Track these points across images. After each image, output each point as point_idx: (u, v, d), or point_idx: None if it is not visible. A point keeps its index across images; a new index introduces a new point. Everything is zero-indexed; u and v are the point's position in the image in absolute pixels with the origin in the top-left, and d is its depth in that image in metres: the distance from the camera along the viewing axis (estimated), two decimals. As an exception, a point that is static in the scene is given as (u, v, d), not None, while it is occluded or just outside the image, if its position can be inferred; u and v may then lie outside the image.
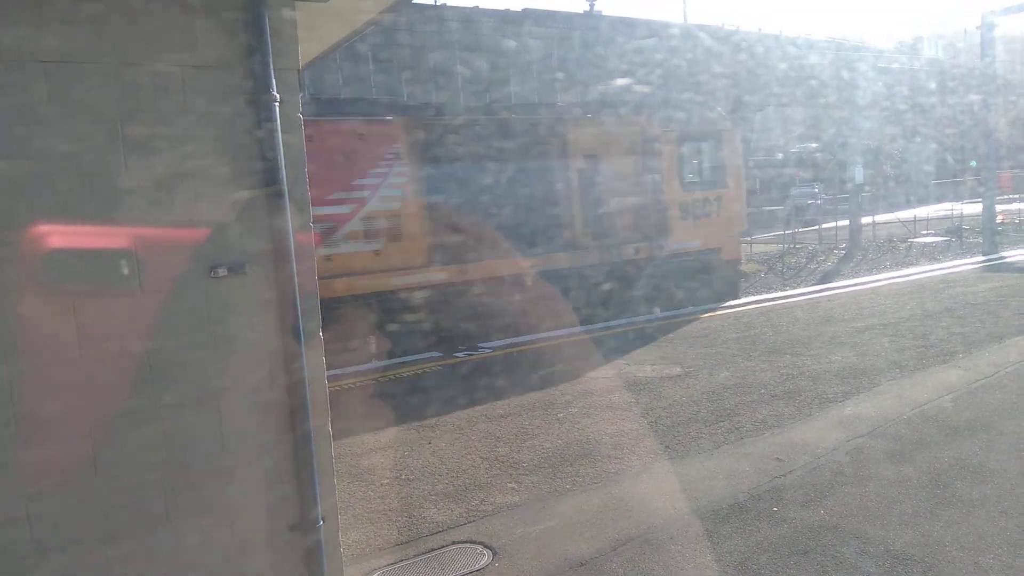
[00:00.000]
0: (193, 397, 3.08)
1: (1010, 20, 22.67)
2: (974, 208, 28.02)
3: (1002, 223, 23.70)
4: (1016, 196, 26.74)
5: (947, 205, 31.12)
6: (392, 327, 9.99)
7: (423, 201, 10.43)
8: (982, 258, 18.10)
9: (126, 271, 2.92)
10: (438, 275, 10.44)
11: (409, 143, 10.29)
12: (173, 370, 3.03)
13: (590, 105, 14.52)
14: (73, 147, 2.82)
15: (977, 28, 22.14)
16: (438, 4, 33.32)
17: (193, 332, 3.06)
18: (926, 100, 47.70)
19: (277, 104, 3.12)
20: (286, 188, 3.16)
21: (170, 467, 3.04)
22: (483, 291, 10.88)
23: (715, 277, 13.83)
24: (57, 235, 2.82)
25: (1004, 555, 3.80)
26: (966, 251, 21.13)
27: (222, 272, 3.06)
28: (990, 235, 20.11)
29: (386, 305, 10.00)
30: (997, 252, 19.00)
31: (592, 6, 40.11)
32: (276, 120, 3.12)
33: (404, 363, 10.03)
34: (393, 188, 10.13)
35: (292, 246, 3.17)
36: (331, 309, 8.57)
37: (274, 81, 3.12)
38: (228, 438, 3.16)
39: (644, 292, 12.75)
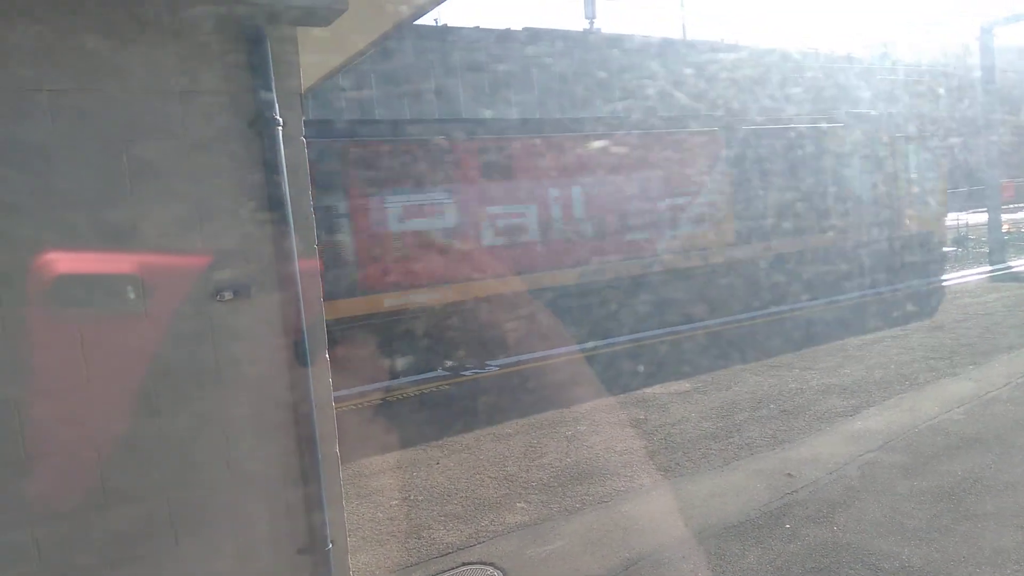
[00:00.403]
0: (199, 421, 3.07)
1: (1008, 30, 22.78)
2: (978, 218, 27.94)
3: (1008, 232, 23.60)
4: (1020, 205, 26.66)
5: (951, 215, 31.03)
6: (717, 288, 13.57)
7: (733, 191, 13.70)
8: (989, 268, 18.01)
9: (132, 296, 2.93)
10: (744, 250, 14.01)
11: (726, 146, 13.66)
12: (179, 394, 3.03)
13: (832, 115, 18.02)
14: (78, 174, 2.84)
15: (976, 39, 22.21)
16: (440, 26, 33.65)
17: (199, 356, 3.06)
18: (926, 109, 47.78)
19: (280, 128, 3.14)
20: (290, 211, 3.17)
21: (177, 491, 3.03)
22: (789, 261, 14.73)
23: (932, 254, 18.14)
24: (63, 261, 2.83)
25: (1020, 571, 3.74)
26: (973, 261, 21.04)
27: (227, 296, 3.07)
28: (996, 245, 20.03)
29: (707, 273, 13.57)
30: (1004, 262, 18.92)
31: (592, 24, 40.43)
32: (279, 143, 3.14)
33: (411, 382, 10.01)
34: (714, 182, 13.46)
35: (297, 269, 3.18)
36: (687, 276, 12.99)
37: (277, 105, 3.14)
38: (235, 462, 3.15)
39: (894, 263, 16.61)
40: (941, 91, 46.78)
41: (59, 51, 2.80)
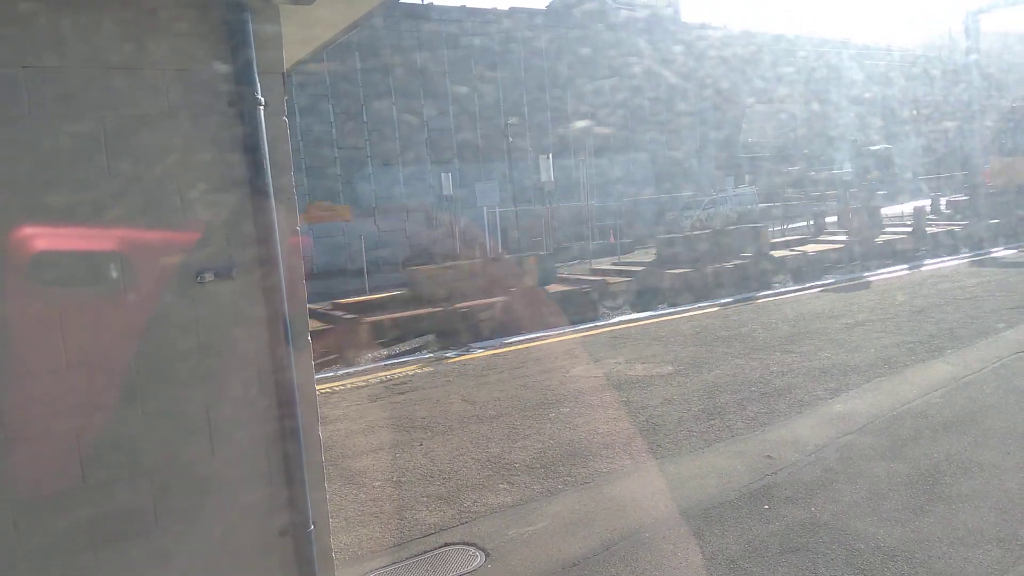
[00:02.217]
0: (180, 403, 3.05)
1: (992, 17, 22.86)
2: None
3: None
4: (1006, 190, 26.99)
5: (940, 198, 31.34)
6: None
7: None
8: (970, 253, 18.23)
9: (113, 275, 2.89)
10: None
11: None
12: (160, 376, 3.00)
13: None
14: (55, 151, 2.79)
15: (962, 25, 22.29)
16: (425, 3, 33.30)
17: (180, 338, 3.03)
18: (912, 96, 48.00)
19: (262, 108, 3.10)
20: (272, 192, 3.14)
21: (158, 474, 3.02)
22: None
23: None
24: (40, 238, 2.79)
25: (994, 551, 3.81)
26: (955, 246, 21.26)
27: (209, 277, 3.04)
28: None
29: None
30: (984, 247, 19.16)
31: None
32: (261, 124, 3.09)
33: (395, 364, 10.01)
34: None
35: (280, 251, 3.15)
36: None
37: (259, 84, 3.09)
38: (216, 444, 3.13)
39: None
40: (935, 74, 47.00)
41: (38, 28, 2.74)
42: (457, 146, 34.63)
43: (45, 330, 2.80)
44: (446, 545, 4.42)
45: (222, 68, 3.07)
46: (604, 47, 38.46)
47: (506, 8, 36.19)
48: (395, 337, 13.88)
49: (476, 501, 5.00)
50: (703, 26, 42.80)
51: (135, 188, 2.93)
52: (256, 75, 3.08)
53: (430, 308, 15.11)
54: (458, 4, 34.95)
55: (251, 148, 3.10)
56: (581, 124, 37.71)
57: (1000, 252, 17.86)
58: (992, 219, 23.43)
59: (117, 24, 2.89)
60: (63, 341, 2.82)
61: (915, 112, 46.29)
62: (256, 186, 3.11)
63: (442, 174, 28.72)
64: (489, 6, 38.97)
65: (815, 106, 44.63)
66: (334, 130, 31.75)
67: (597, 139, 38.24)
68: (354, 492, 5.34)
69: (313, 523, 3.29)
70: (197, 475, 3.09)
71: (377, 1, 4.08)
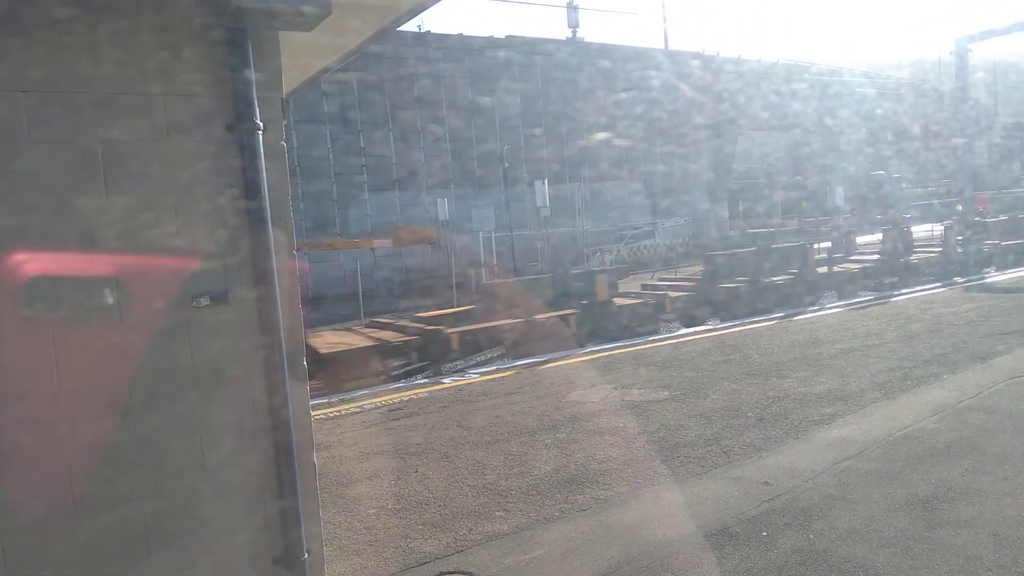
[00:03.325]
0: (175, 429, 3.03)
1: (982, 47, 23.26)
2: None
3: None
4: (993, 218, 27.27)
5: (928, 226, 31.55)
6: None
7: None
8: (963, 279, 18.32)
9: (109, 300, 2.88)
10: None
11: None
12: (154, 401, 2.98)
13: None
14: (53, 175, 2.80)
15: (951, 54, 22.64)
16: (423, 32, 33.69)
17: (175, 362, 3.02)
18: (905, 124, 48.57)
19: (260, 132, 3.12)
20: (269, 216, 3.14)
21: (151, 500, 2.98)
22: None
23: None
24: (36, 263, 2.78)
25: (994, 578, 3.78)
26: (949, 271, 21.37)
27: (204, 301, 3.03)
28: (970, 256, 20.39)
29: None
30: (978, 272, 19.26)
31: (574, 33, 40.68)
32: (259, 148, 3.11)
33: (390, 389, 9.96)
34: None
35: (276, 275, 3.15)
36: None
37: (257, 109, 3.11)
38: (210, 470, 3.10)
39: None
40: (924, 102, 47.65)
41: (37, 52, 2.76)
42: (453, 172, 34.83)
43: (39, 354, 2.78)
44: (441, 574, 4.36)
45: (220, 92, 3.10)
46: (598, 76, 38.91)
47: (502, 37, 36.64)
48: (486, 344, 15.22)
49: (472, 529, 4.95)
50: (696, 55, 43.37)
51: (131, 212, 2.94)
52: (255, 99, 3.10)
53: (509, 320, 16.06)
54: (455, 32, 35.42)
55: (249, 172, 3.11)
56: (577, 149, 38.05)
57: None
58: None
59: (115, 48, 2.92)
60: (57, 365, 2.80)
61: (910, 138, 46.87)
62: (253, 210, 3.12)
63: (438, 199, 28.88)
64: (485, 34, 39.40)
65: (810, 134, 45.10)
66: (331, 155, 31.92)
67: (593, 167, 38.54)
68: (348, 520, 5.28)
69: (308, 551, 3.25)
70: (190, 503, 3.06)
71: (371, 32, 4.13)
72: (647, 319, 17.09)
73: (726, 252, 22.88)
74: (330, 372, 12.47)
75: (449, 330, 15.21)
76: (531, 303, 16.83)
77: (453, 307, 18.55)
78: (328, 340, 14.76)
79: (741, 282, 19.19)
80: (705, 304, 18.26)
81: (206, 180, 3.08)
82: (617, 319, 16.72)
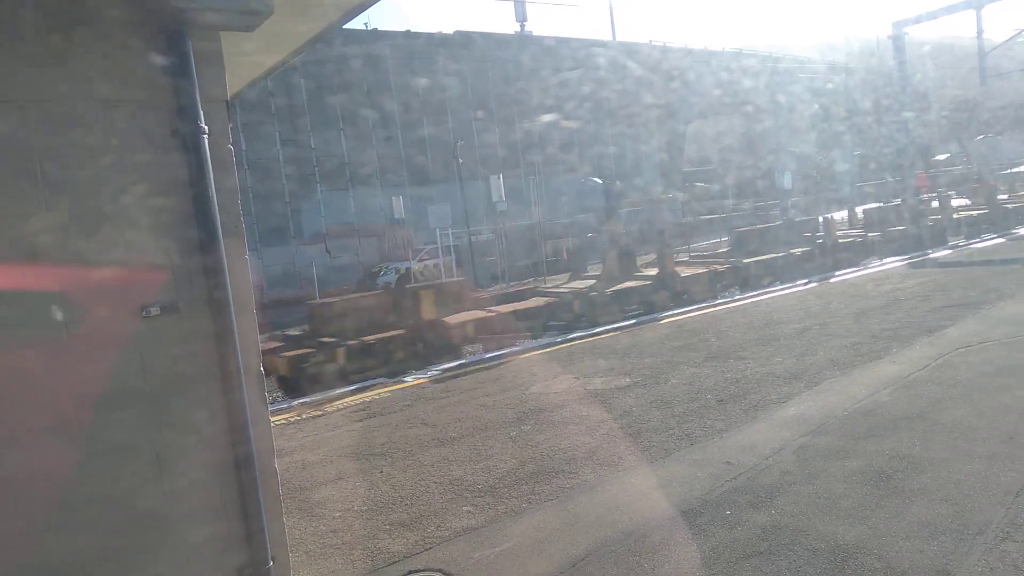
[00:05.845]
0: (132, 441, 2.95)
1: (919, 28, 23.97)
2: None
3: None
4: (933, 195, 28.16)
5: (872, 206, 32.46)
6: None
7: None
8: (907, 255, 18.90)
9: (58, 316, 2.80)
10: None
11: None
12: (109, 414, 2.90)
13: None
14: (-11, 188, 2.70)
15: (889, 37, 23.27)
16: (370, 29, 33.31)
17: (127, 375, 2.95)
18: (846, 106, 49.82)
19: (205, 136, 3.06)
20: (219, 220, 3.09)
21: (112, 514, 2.91)
22: None
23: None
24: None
25: (948, 542, 3.92)
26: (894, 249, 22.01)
27: (154, 311, 2.96)
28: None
29: None
30: (922, 249, 19.90)
31: (523, 27, 40.72)
32: (205, 153, 3.05)
33: (352, 391, 9.87)
34: None
35: (228, 281, 3.09)
36: None
37: (201, 112, 3.05)
38: (170, 481, 3.04)
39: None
40: (869, 81, 48.84)
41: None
42: (408, 169, 34.56)
43: (-18, 373, 2.69)
44: (411, 572, 4.35)
45: (163, 97, 3.02)
46: (545, 69, 39.00)
47: (451, 32, 36.47)
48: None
49: (440, 526, 4.94)
50: (648, 44, 43.78)
51: (76, 223, 2.85)
52: (199, 103, 3.04)
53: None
54: (403, 29, 35.12)
55: (196, 177, 3.05)
56: (528, 142, 38.11)
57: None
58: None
59: (53, 55, 2.82)
60: (6, 380, 2.71)
61: (850, 121, 48.07)
62: (201, 215, 3.06)
63: (393, 197, 28.63)
64: (435, 30, 39.18)
65: (754, 119, 45.91)
66: (281, 156, 31.39)
67: (546, 157, 38.63)
68: (314, 524, 5.22)
69: (273, 558, 3.21)
70: (149, 517, 2.99)
71: (317, 30, 4.08)
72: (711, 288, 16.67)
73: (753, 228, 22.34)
74: None
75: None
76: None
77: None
78: None
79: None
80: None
81: (151, 187, 3.01)
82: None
